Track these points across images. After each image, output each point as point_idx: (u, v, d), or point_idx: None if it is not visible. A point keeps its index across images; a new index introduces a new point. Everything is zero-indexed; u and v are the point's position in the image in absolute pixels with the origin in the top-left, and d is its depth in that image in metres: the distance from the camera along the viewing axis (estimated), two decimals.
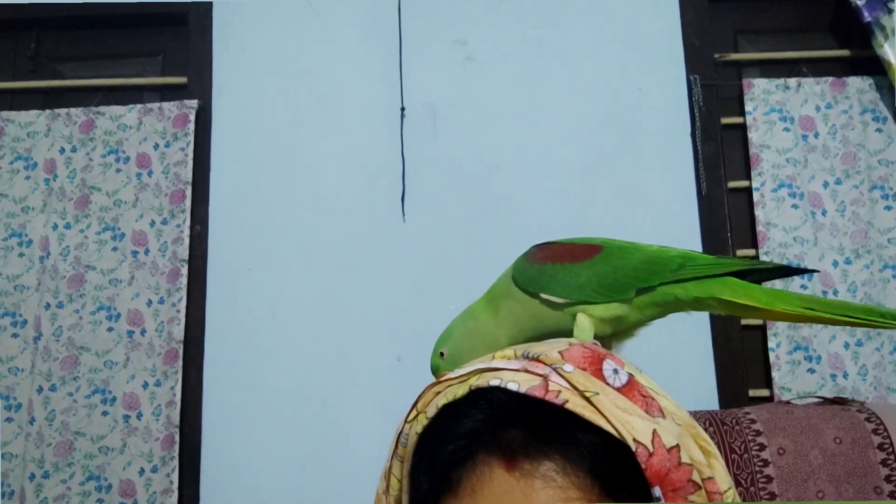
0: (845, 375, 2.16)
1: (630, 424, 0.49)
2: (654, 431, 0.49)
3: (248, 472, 2.16)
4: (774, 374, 2.17)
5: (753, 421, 1.69)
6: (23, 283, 2.25)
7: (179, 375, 2.18)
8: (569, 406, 0.50)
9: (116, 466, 2.14)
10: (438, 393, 0.54)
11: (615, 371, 0.53)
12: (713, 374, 2.22)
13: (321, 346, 2.23)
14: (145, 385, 2.19)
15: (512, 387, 0.51)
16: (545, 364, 0.53)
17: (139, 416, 2.17)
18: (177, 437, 2.14)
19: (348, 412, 2.17)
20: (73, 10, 2.48)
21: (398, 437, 0.56)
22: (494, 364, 0.54)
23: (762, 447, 1.64)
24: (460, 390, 0.53)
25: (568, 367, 0.52)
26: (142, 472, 2.13)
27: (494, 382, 0.52)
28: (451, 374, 0.55)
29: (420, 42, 2.40)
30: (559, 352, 0.54)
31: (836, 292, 2.21)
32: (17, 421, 2.18)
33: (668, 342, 2.17)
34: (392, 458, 0.56)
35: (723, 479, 0.51)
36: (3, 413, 2.18)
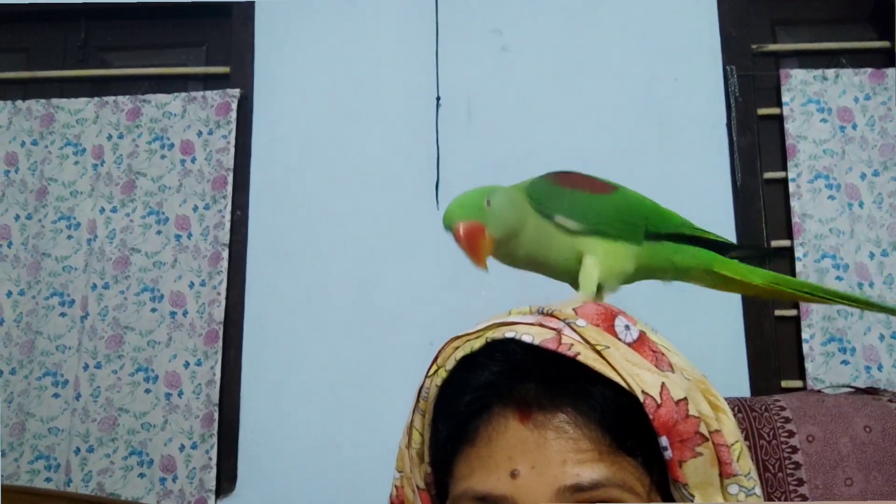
0: (880, 368, 2.14)
1: (639, 377, 0.51)
2: (663, 384, 0.51)
3: (285, 450, 2.22)
4: (808, 365, 2.16)
5: (783, 408, 1.70)
6: (71, 265, 2.34)
7: (219, 356, 2.25)
8: (580, 358, 0.52)
9: (158, 442, 2.21)
10: (457, 348, 0.57)
11: (627, 327, 0.55)
12: (745, 365, 2.22)
13: (356, 330, 2.28)
14: (186, 364, 2.25)
15: (526, 339, 0.53)
16: (559, 319, 0.55)
17: (180, 395, 2.24)
18: (216, 415, 2.21)
19: (381, 394, 2.22)
20: (121, 2, 2.56)
21: (419, 392, 0.58)
22: (511, 319, 0.56)
23: (791, 434, 1.65)
24: (477, 343, 0.55)
25: (581, 322, 0.54)
26: (182, 448, 2.20)
27: (510, 335, 0.53)
28: (469, 330, 0.57)
29: (456, 32, 2.43)
30: (573, 308, 0.56)
31: (871, 285, 2.20)
32: (64, 397, 2.26)
33: (701, 332, 2.17)
34: (414, 412, 0.59)
35: (730, 432, 0.53)
36: (51, 389, 2.27)
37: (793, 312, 2.25)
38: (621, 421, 0.51)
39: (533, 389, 0.52)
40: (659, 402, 0.50)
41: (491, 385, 0.53)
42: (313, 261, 2.33)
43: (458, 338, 0.57)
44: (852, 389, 1.84)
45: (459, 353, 0.55)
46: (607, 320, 0.55)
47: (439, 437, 0.56)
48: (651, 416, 0.50)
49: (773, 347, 2.25)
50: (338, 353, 2.27)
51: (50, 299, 2.32)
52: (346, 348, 2.27)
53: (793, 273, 2.24)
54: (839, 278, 2.20)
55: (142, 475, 2.20)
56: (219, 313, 2.27)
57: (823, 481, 1.59)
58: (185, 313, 2.29)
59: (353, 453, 2.19)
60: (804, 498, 1.57)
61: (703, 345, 2.16)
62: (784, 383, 2.21)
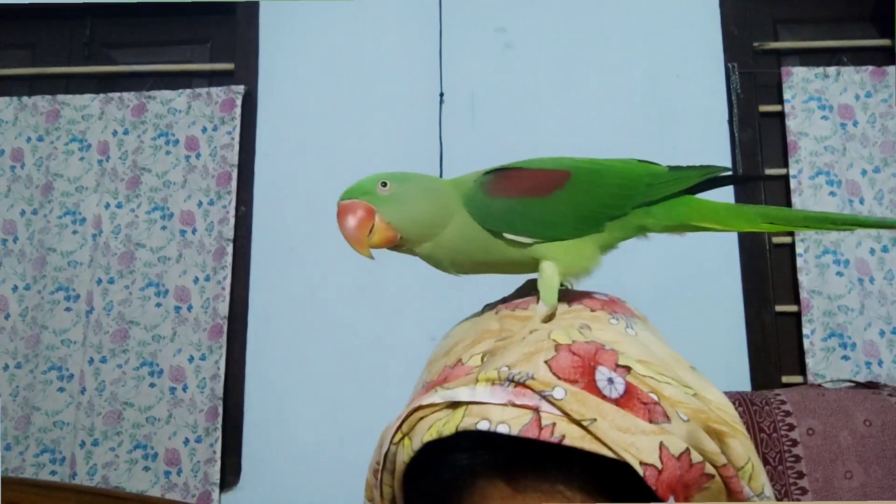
0: (880, 363, 2.16)
1: (634, 446, 0.47)
2: (661, 444, 0.47)
3: (288, 444, 2.23)
4: (808, 360, 2.17)
5: (783, 402, 1.71)
6: (76, 260, 2.35)
7: (223, 350, 2.26)
8: (566, 442, 0.47)
9: (162, 436, 2.23)
10: (422, 418, 0.52)
11: (610, 381, 0.50)
12: (746, 361, 2.23)
13: (359, 325, 2.29)
14: (191, 359, 2.27)
15: (502, 430, 0.48)
16: (533, 391, 0.49)
17: (185, 389, 2.25)
18: (220, 409, 2.22)
19: (384, 389, 2.23)
20: None
21: (385, 454, 0.54)
22: (478, 395, 0.50)
23: (791, 427, 1.66)
24: (446, 429, 0.50)
25: (558, 393, 0.49)
26: (186, 441, 2.22)
27: (483, 426, 0.48)
28: (435, 398, 0.52)
29: (460, 29, 2.44)
30: (545, 361, 0.51)
31: (872, 280, 2.21)
32: (69, 391, 2.28)
33: (702, 328, 2.19)
34: (382, 469, 0.55)
35: (739, 455, 0.50)
36: (56, 383, 2.28)
37: (793, 308, 2.26)
38: (615, 479, 0.48)
39: (519, 460, 0.49)
40: (660, 467, 0.47)
41: (472, 462, 0.50)
42: (317, 256, 2.35)
43: (422, 407, 0.52)
44: (853, 384, 1.85)
45: (426, 437, 0.50)
46: (587, 374, 0.50)
47: (418, 493, 0.54)
48: (654, 487, 0.47)
49: (774, 343, 2.26)
50: (341, 347, 2.28)
51: (55, 294, 2.33)
52: (350, 343, 2.28)
53: (794, 270, 2.25)
54: (840, 273, 2.22)
55: (146, 468, 2.21)
56: (223, 308, 2.28)
57: (823, 474, 1.61)
58: (189, 308, 2.30)
59: (356, 447, 2.18)
60: (804, 490, 1.59)
61: (704, 340, 2.18)
62: (784, 378, 2.22)
